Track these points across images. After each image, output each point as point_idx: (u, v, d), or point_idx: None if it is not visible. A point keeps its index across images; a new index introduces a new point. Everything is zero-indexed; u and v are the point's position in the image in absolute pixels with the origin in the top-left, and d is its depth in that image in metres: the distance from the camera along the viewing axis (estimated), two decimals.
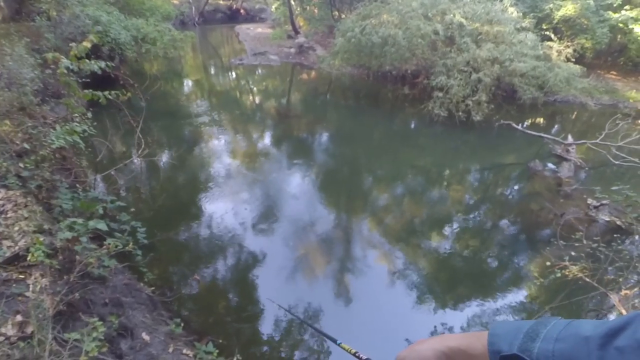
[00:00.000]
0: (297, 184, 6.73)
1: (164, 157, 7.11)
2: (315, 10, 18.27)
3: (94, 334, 2.28)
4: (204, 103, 11.02)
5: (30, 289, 2.38)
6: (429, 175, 7.60)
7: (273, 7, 21.94)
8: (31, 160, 3.62)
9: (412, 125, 10.52)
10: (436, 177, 7.61)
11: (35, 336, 2.05)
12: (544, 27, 12.58)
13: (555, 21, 13.34)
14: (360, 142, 8.75)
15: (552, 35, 11.82)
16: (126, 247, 3.62)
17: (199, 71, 15.10)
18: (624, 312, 3.42)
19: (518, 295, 4.35)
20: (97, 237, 3.55)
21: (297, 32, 19.11)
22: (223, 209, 5.59)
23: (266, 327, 3.84)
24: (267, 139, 8.92)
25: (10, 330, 2.03)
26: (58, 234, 2.78)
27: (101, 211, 3.57)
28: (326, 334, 1.01)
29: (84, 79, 5.51)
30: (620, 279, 3.65)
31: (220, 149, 7.91)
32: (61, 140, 3.54)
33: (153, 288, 3.98)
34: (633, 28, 13.42)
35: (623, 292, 3.46)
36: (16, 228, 2.92)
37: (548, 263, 3.97)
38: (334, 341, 0.89)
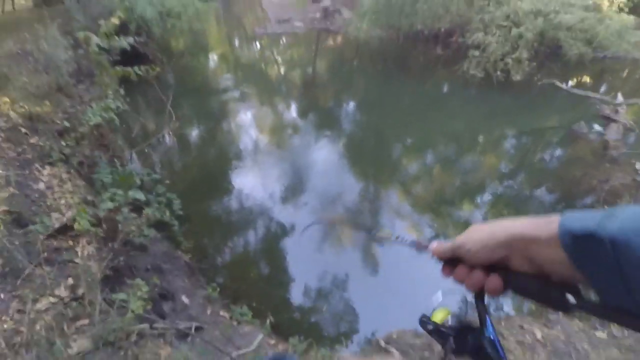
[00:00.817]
0: (324, 155, 6.69)
1: (195, 132, 7.29)
2: None
3: (139, 294, 2.49)
4: (229, 76, 11.01)
5: (79, 255, 2.60)
6: (462, 142, 7.27)
7: None
8: (71, 138, 3.84)
9: (445, 89, 10.01)
10: (469, 143, 7.28)
11: (85, 297, 2.27)
12: None
13: None
14: (389, 110, 8.45)
15: None
16: (163, 217, 3.85)
17: (224, 44, 14.99)
18: None
19: None
20: (137, 209, 3.77)
21: None
22: (253, 182, 5.71)
23: (296, 294, 4.01)
24: (293, 111, 8.84)
25: (63, 292, 2.25)
26: (101, 205, 2.98)
27: (138, 183, 3.78)
28: (360, 226, 1.00)
29: (114, 58, 5.67)
30: None
31: (248, 123, 7.94)
32: (97, 117, 3.72)
33: (190, 255, 4.24)
34: None
35: None
36: (62, 201, 3.17)
37: None
38: (369, 232, 0.84)
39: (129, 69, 4.59)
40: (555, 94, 7.93)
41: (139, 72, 4.65)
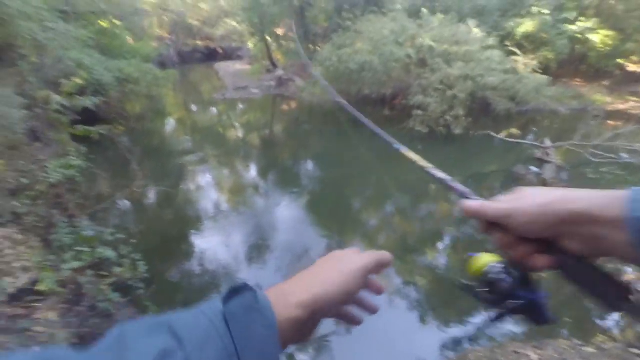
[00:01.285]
0: (287, 212, 6.75)
1: (158, 192, 7.04)
2: (292, 45, 19.06)
3: None
4: (189, 139, 11.06)
5: (41, 322, 2.27)
6: (416, 191, 7.72)
7: (250, 44, 22.73)
8: (26, 196, 3.54)
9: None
10: (424, 192, 7.73)
11: None
12: (508, 44, 13.52)
13: (517, 38, 14.41)
14: (346, 166, 8.91)
15: (517, 50, 12.69)
16: (130, 280, 3.54)
17: (183, 108, 15.28)
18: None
19: None
20: (98, 271, 3.44)
21: (275, 66, 19.76)
22: (217, 242, 5.53)
23: None
24: (254, 171, 8.97)
25: None
26: (63, 266, 2.70)
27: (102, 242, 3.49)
28: (383, 135, 0.86)
29: (74, 117, 5.53)
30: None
31: (211, 183, 7.88)
32: (58, 175, 3.51)
33: None
34: (590, 38, 14.60)
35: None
36: (17, 265, 2.82)
37: None
38: (393, 144, 0.76)
39: (91, 128, 4.50)
40: (492, 143, 8.98)
41: (102, 132, 4.57)
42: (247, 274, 4.88)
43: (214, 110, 15.16)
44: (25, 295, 2.50)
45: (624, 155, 5.97)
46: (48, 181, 3.40)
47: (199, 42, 30.49)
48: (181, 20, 26.33)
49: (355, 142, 10.65)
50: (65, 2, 12.75)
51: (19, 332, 2.21)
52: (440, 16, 12.41)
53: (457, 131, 9.71)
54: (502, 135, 8.51)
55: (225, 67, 24.77)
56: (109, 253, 2.93)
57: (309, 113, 14.27)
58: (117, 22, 14.01)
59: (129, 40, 14.49)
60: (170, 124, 12.75)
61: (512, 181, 7.41)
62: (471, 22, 11.97)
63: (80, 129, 4.41)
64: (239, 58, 28.75)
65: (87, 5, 13.56)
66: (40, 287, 2.27)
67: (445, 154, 9.45)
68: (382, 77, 11.29)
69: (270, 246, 5.56)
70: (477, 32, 11.62)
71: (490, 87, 10.11)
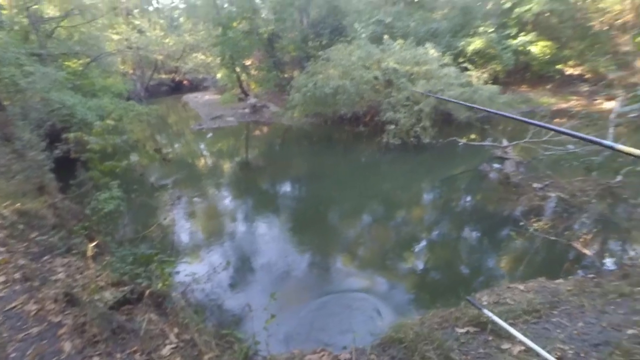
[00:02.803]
0: (270, 231, 6.87)
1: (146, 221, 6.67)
2: (262, 73, 19.97)
3: None
4: (170, 171, 10.85)
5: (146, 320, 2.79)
6: (394, 199, 8.35)
7: (218, 75, 23.41)
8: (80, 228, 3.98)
9: (372, 158, 11.77)
10: (400, 199, 8.41)
11: None
12: (461, 60, 15.27)
13: (468, 54, 16.31)
14: (326, 181, 9.52)
15: (469, 66, 14.37)
16: None
17: (162, 140, 15.54)
18: (587, 252, 4.50)
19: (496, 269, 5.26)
20: None
21: (246, 95, 20.54)
22: (202, 269, 5.18)
23: None
24: (235, 195, 9.11)
25: None
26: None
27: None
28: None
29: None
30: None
31: (195, 213, 7.91)
32: (110, 205, 3.99)
33: None
34: (530, 49, 17.06)
35: (582, 238, 4.57)
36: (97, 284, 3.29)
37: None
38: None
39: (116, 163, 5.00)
40: (457, 148, 10.17)
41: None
42: (236, 297, 4.80)
43: (193, 140, 15.58)
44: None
45: (570, 146, 7.13)
46: (103, 212, 3.86)
47: (164, 76, 30.85)
48: (145, 55, 26.70)
49: (334, 160, 11.55)
50: (39, 46, 13.03)
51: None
52: (400, 41, 13.91)
53: (426, 140, 10.85)
54: (465, 140, 9.70)
55: (194, 98, 25.27)
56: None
57: (287, 135, 15.09)
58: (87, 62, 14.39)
59: (99, 78, 14.82)
60: (152, 157, 12.94)
61: (480, 178, 8.52)
62: (428, 44, 13.51)
63: (108, 164, 4.88)
64: (206, 89, 29.36)
65: (61, 48, 13.87)
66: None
67: (419, 161, 10.53)
68: (355, 98, 12.38)
69: (254, 268, 5.58)
70: (433, 52, 13.12)
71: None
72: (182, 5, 29.52)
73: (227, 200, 8.93)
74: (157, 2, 34.43)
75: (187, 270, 5.00)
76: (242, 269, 5.62)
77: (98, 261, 3.88)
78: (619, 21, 16.99)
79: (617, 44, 17.23)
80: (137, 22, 25.19)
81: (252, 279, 5.32)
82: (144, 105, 14.12)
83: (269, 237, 6.72)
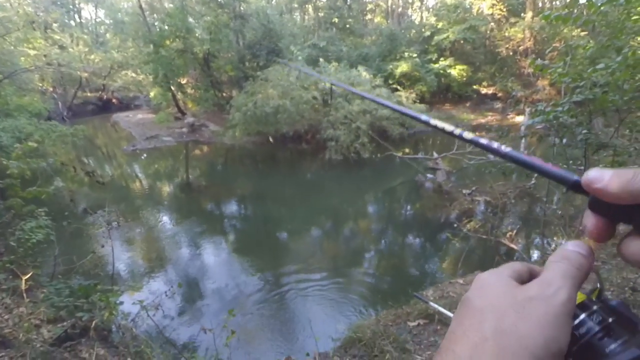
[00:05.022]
0: (218, 255, 6.71)
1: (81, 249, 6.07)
2: (200, 92, 19.53)
3: None
4: (104, 195, 9.95)
5: None
6: (340, 213, 8.66)
7: (151, 93, 22.32)
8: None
9: (316, 174, 12.17)
10: (347, 212, 8.77)
11: None
12: (391, 82, 16.67)
13: (397, 77, 17.88)
14: (273, 200, 9.57)
15: (398, 87, 15.75)
16: None
17: (92, 163, 14.24)
18: (514, 247, 5.19)
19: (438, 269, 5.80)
20: None
21: (183, 113, 19.86)
22: (152, 298, 4.70)
23: None
24: (177, 218, 8.64)
25: None
26: None
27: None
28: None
29: None
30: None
31: (134, 239, 7.44)
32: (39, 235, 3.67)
33: None
34: (450, 72, 19.38)
35: (508, 235, 5.26)
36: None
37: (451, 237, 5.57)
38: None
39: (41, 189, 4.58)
40: (394, 162, 10.98)
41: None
42: (190, 321, 4.65)
43: (128, 162, 14.56)
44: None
45: (490, 156, 8.12)
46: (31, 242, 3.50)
47: (90, 94, 28.53)
48: (68, 72, 24.48)
49: (278, 178, 11.66)
50: None
51: None
52: (334, 64, 14.75)
53: (366, 155, 11.53)
54: (400, 154, 10.53)
55: (125, 118, 23.69)
56: None
57: (228, 155, 14.86)
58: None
59: (14, 97, 13.30)
60: (81, 182, 11.83)
61: (417, 188, 9.29)
62: (360, 67, 14.52)
63: (33, 190, 4.45)
64: (137, 107, 27.72)
65: None
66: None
67: (361, 176, 11.12)
68: (296, 116, 12.74)
69: (206, 290, 5.47)
70: (365, 74, 14.13)
71: (385, 118, 12.39)
72: (108, 21, 27.76)
73: (168, 224, 8.39)
74: (79, 17, 32.17)
75: (131, 300, 4.56)
76: (193, 293, 5.40)
77: (30, 297, 3.51)
78: (521, 47, 20.08)
79: (521, 67, 20.30)
80: (57, 37, 23.09)
81: (205, 302, 5.16)
82: (68, 126, 12.96)
83: (217, 259, 6.54)
